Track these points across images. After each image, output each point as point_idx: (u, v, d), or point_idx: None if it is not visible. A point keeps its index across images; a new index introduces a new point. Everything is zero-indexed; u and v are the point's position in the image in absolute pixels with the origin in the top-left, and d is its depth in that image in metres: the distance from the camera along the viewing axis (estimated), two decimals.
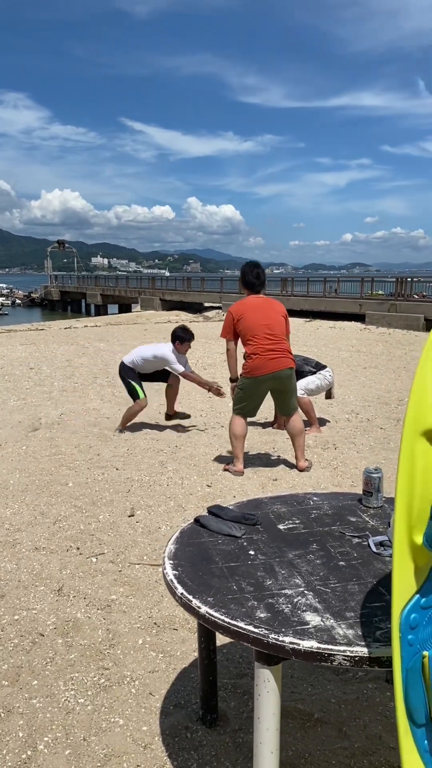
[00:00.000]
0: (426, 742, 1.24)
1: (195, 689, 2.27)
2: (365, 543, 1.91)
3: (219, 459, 5.05)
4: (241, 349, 4.59)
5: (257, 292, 4.70)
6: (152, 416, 6.64)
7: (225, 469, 4.70)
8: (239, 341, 4.62)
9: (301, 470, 4.71)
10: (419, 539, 1.23)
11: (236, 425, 4.65)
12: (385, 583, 1.68)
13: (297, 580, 1.69)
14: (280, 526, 2.04)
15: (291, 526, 2.04)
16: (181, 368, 5.79)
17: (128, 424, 6.07)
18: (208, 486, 4.38)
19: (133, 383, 5.98)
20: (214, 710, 2.12)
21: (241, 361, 4.64)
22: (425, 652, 1.23)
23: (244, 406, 4.63)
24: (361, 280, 25.14)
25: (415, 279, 24.05)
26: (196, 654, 2.49)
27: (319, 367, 6.22)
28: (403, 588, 1.24)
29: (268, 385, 4.55)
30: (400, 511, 1.24)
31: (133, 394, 5.98)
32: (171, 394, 6.17)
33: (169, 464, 4.90)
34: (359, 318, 19.97)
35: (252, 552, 1.86)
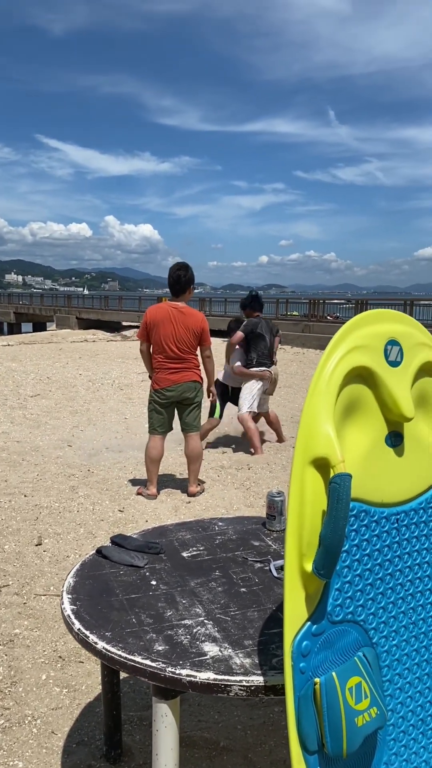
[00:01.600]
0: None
1: (99, 724, 2.21)
2: (267, 568, 1.93)
3: (133, 482, 4.99)
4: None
5: (176, 296, 4.56)
6: (65, 438, 6.50)
7: (138, 493, 4.65)
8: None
9: (190, 495, 4.64)
10: (309, 567, 1.25)
11: (151, 447, 4.61)
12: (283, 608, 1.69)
13: (198, 610, 1.68)
14: (184, 554, 2.03)
15: (195, 553, 2.03)
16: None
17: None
18: (120, 511, 4.31)
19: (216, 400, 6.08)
20: (118, 745, 2.06)
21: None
22: (317, 679, 1.24)
23: (154, 420, 4.61)
24: (276, 301, 25.72)
25: (327, 301, 24.89)
26: (101, 687, 2.43)
27: (261, 361, 6.11)
28: (295, 616, 1.25)
29: (172, 397, 4.52)
30: (290, 539, 1.26)
31: (211, 411, 6.19)
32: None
33: (81, 489, 4.79)
34: None
35: (154, 582, 1.84)
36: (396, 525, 1.42)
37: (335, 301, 27.09)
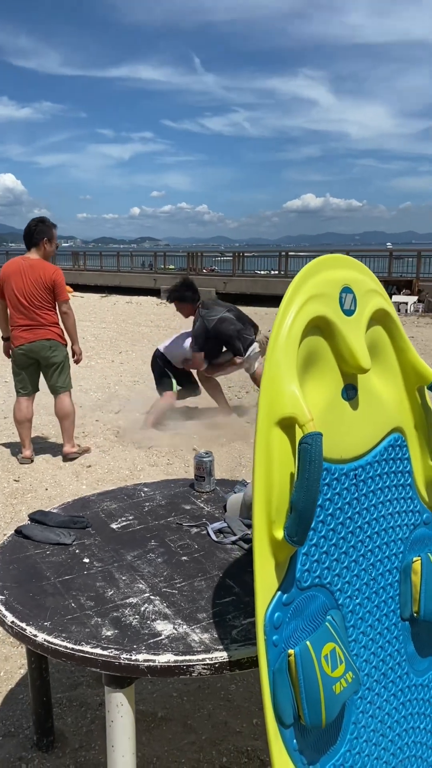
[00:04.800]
0: (294, 741, 1.19)
1: (26, 712, 2.06)
2: (204, 532, 1.84)
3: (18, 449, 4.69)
4: None
5: (29, 248, 4.35)
6: None
7: (23, 459, 4.38)
8: None
9: (64, 455, 4.46)
10: (280, 534, 1.16)
11: (16, 409, 4.42)
12: (230, 574, 1.62)
13: (141, 585, 1.56)
14: (113, 526, 1.88)
15: (125, 523, 1.90)
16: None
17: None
18: (15, 481, 4.05)
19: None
20: (50, 733, 1.93)
21: None
22: (291, 651, 1.17)
23: (16, 382, 4.41)
24: (153, 255, 25.33)
25: (206, 254, 24.87)
26: (22, 671, 2.26)
27: (247, 342, 5.06)
28: (266, 587, 1.17)
29: (29, 358, 4.29)
30: (258, 507, 1.16)
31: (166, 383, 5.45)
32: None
33: None
34: (154, 293, 20.12)
35: (86, 560, 1.69)
36: (354, 481, 1.36)
37: (214, 254, 27.12)
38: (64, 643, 1.33)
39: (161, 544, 1.77)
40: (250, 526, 1.79)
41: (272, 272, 21.83)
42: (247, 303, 15.50)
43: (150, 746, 1.93)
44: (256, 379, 5.44)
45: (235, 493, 1.99)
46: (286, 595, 1.19)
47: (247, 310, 5.78)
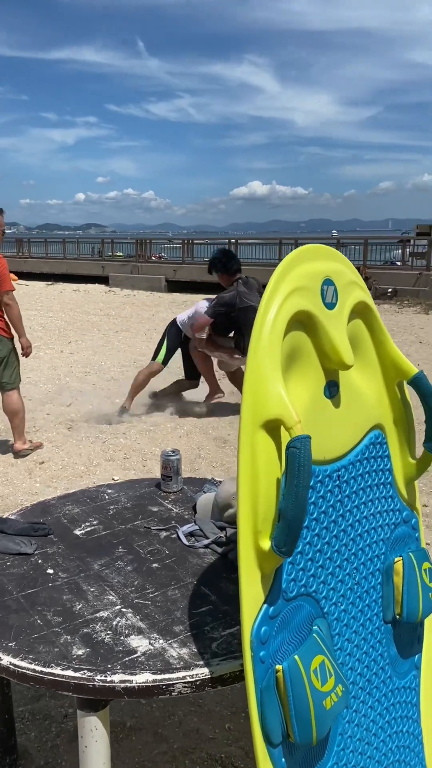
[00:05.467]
0: (283, 759, 1.13)
1: None
2: (174, 535, 1.75)
3: None
4: None
5: None
6: None
7: None
8: None
9: (15, 452, 4.29)
10: (267, 544, 1.09)
11: None
12: (205, 581, 1.54)
13: (111, 597, 1.47)
14: (77, 532, 1.78)
15: (89, 529, 1.80)
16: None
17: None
18: None
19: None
20: (12, 750, 1.82)
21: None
22: (278, 666, 1.11)
23: None
24: (101, 241, 24.90)
25: (154, 241, 24.61)
26: None
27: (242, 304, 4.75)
28: (251, 601, 1.10)
29: None
30: (243, 516, 1.09)
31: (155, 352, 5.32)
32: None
33: None
34: (103, 280, 19.76)
35: (50, 571, 1.58)
36: (338, 482, 1.31)
37: (163, 240, 26.86)
38: (32, 666, 1.23)
39: (129, 551, 1.67)
40: (222, 528, 1.72)
41: None
42: (197, 291, 15.40)
43: (120, 759, 1.85)
44: (236, 380, 5.41)
45: (204, 492, 1.91)
46: (272, 608, 1.13)
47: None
